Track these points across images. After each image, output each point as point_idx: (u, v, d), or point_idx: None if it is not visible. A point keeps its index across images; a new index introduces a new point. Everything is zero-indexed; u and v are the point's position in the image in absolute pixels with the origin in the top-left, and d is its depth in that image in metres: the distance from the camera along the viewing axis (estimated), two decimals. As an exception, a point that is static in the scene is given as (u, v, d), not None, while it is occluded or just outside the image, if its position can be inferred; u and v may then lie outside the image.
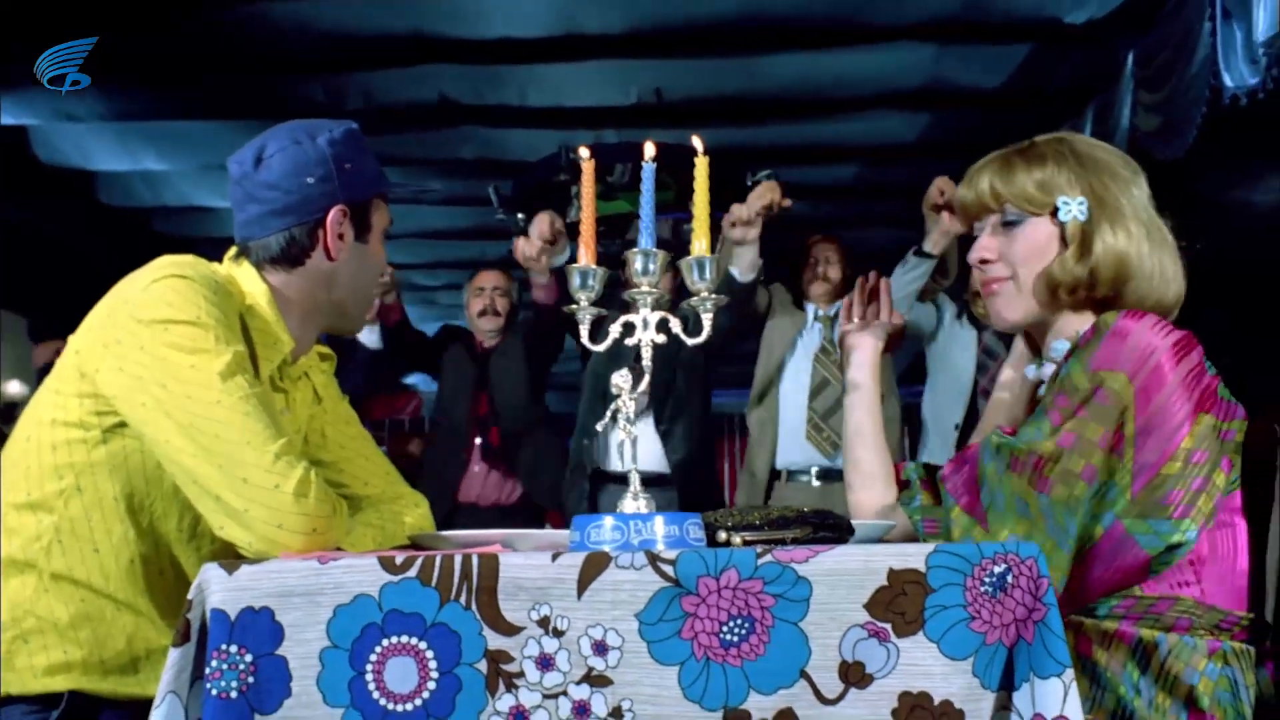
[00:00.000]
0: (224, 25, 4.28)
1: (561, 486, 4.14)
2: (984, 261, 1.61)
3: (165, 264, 1.52)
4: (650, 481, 3.75)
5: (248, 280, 1.60)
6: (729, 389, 6.54)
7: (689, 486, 3.93)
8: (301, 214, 1.60)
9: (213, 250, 1.71)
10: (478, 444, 4.17)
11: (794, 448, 3.90)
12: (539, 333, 4.12)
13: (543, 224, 3.81)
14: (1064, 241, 1.56)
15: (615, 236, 4.79)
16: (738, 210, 3.55)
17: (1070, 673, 1.09)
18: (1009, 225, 1.59)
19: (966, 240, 1.70)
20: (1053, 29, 4.34)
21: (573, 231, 4.56)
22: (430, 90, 4.84)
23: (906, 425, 4.42)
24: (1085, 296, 1.56)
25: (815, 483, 3.86)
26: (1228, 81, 3.49)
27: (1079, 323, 1.56)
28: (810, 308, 4.06)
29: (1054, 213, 1.57)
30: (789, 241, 4.17)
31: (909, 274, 3.59)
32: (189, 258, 1.56)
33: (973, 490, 1.47)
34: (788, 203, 3.64)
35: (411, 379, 4.76)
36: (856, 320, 1.86)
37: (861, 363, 1.83)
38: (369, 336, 4.04)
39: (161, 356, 1.43)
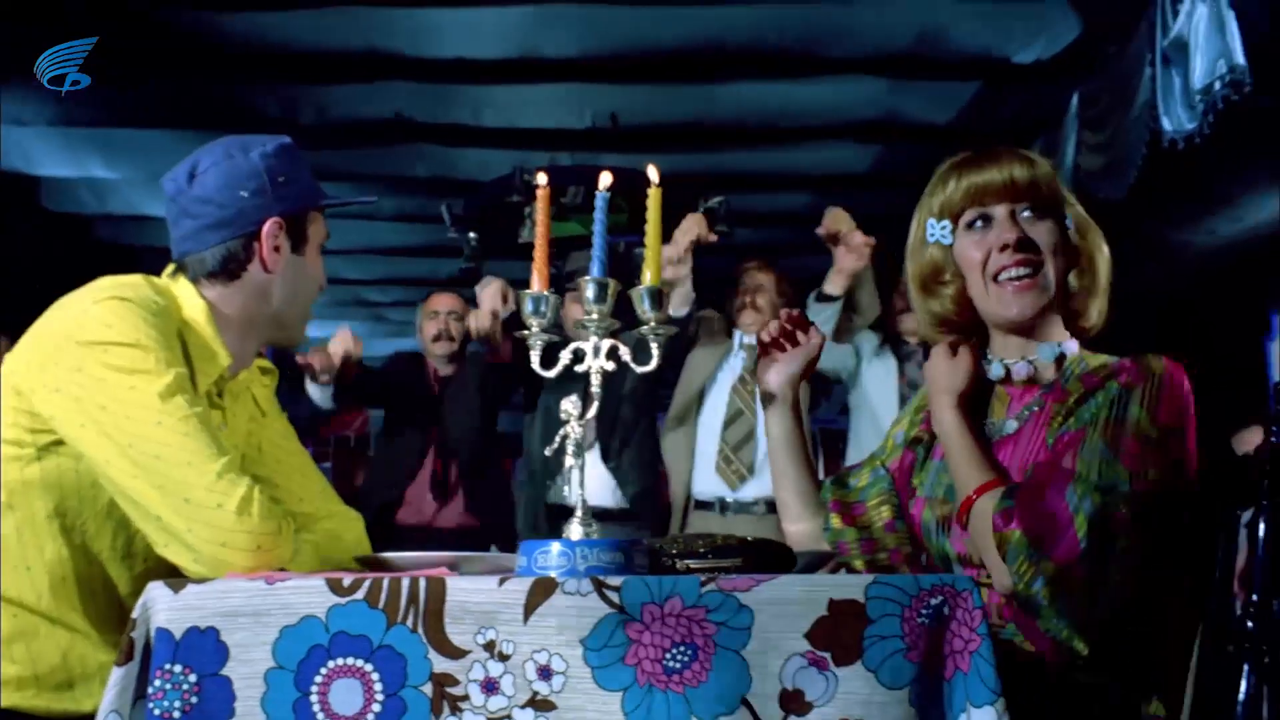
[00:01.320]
0: (178, 33, 4.25)
1: (512, 517, 4.14)
2: (1018, 245, 1.56)
3: (106, 285, 1.54)
4: (609, 517, 3.77)
5: (186, 296, 1.61)
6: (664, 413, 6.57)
7: (650, 518, 3.95)
8: (236, 227, 1.62)
9: (157, 260, 1.71)
10: (430, 472, 4.13)
11: (705, 478, 3.91)
12: (493, 380, 4.12)
13: (494, 297, 3.82)
14: (1064, 252, 1.58)
15: (561, 259, 4.81)
16: (668, 253, 3.59)
17: (1002, 702, 1.12)
18: (1031, 217, 1.58)
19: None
20: (1001, 68, 4.43)
21: (525, 252, 4.59)
22: (385, 107, 4.83)
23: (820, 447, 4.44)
24: (1068, 307, 1.61)
25: (719, 515, 3.84)
26: (1166, 126, 3.58)
27: (1058, 331, 1.60)
28: (737, 335, 4.06)
29: (1061, 219, 1.60)
30: (728, 267, 4.21)
31: (815, 320, 3.62)
32: (130, 278, 1.58)
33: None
34: (713, 237, 3.68)
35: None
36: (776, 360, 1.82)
37: (780, 413, 1.81)
38: (320, 395, 4.02)
39: (100, 378, 1.44)
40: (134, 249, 6.35)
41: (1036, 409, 1.56)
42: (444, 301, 4.30)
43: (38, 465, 1.49)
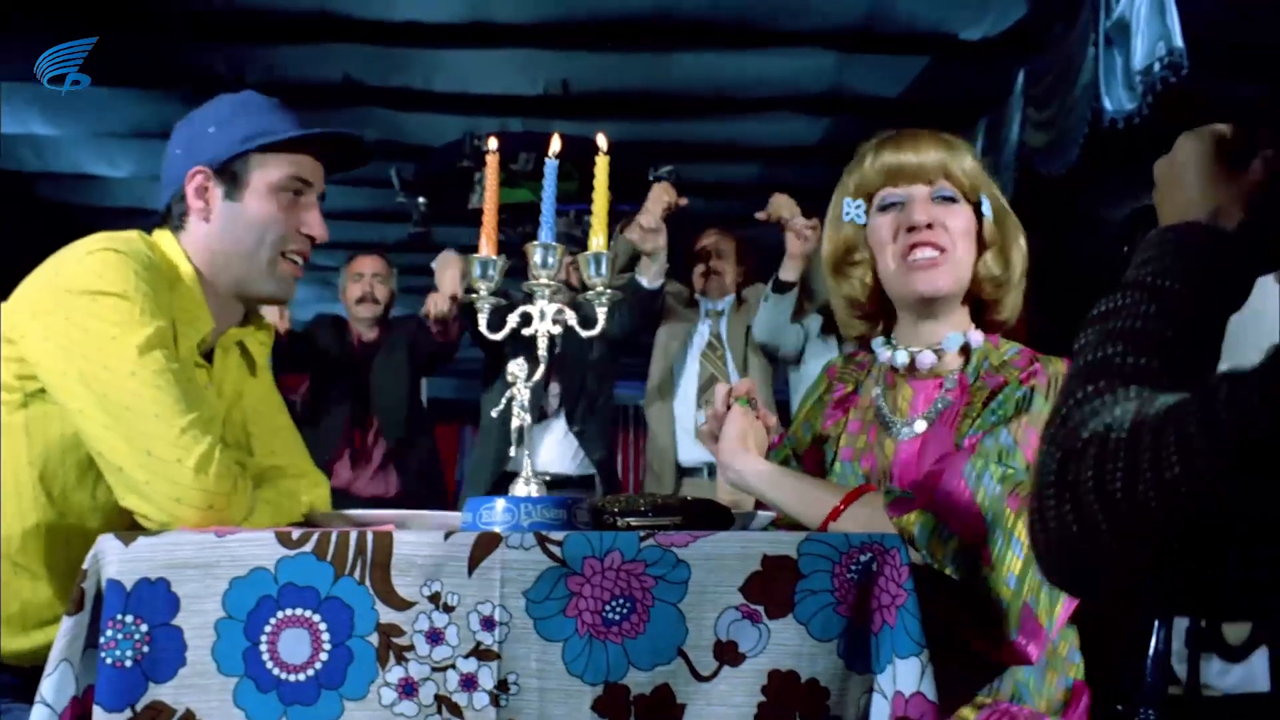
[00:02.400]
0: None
1: (440, 486, 4.17)
2: (929, 226, 1.58)
3: (101, 238, 1.57)
4: (571, 483, 3.82)
5: (176, 255, 1.66)
6: (628, 380, 6.61)
7: (614, 485, 4.01)
8: (171, 182, 1.69)
9: (100, 219, 1.72)
10: (355, 440, 4.13)
11: (689, 445, 3.98)
12: (428, 354, 4.12)
13: (451, 284, 3.83)
14: (979, 237, 1.60)
15: (514, 226, 4.82)
16: (643, 221, 3.63)
17: (927, 653, 1.18)
18: (945, 200, 1.60)
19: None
20: (950, 44, 4.49)
21: (475, 218, 4.59)
22: (334, 69, 4.79)
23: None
24: (977, 294, 1.62)
25: (707, 479, 3.92)
26: (1108, 105, 3.66)
27: (966, 323, 1.62)
28: (702, 303, 4.12)
29: (978, 205, 1.62)
30: (686, 238, 4.25)
31: (776, 308, 3.69)
32: (125, 233, 1.61)
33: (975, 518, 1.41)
34: (683, 201, 3.73)
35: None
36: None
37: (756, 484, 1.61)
38: None
39: (86, 327, 1.48)
40: (77, 208, 6.25)
41: (943, 408, 1.58)
42: (368, 264, 4.27)
43: (23, 412, 1.52)
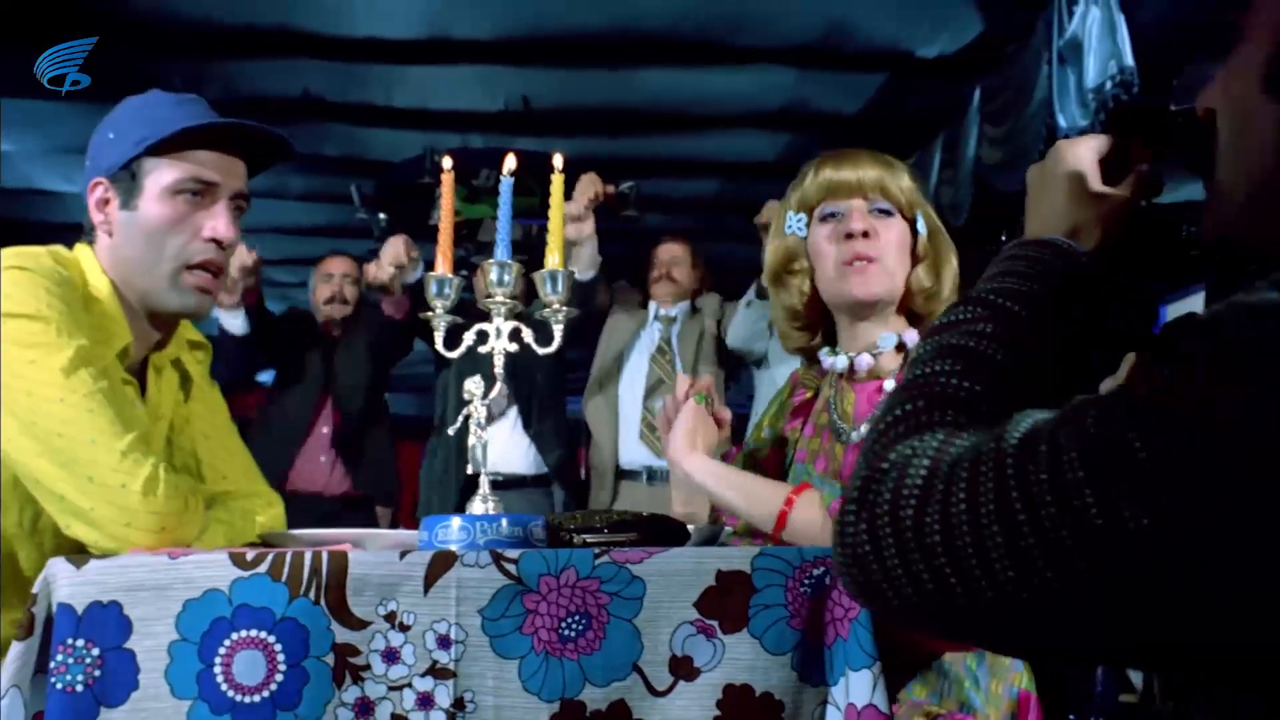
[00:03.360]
0: (81, 4, 4.15)
1: (392, 483, 4.17)
2: (865, 235, 1.66)
3: (7, 255, 1.50)
4: (527, 483, 3.82)
5: (90, 268, 1.59)
6: (578, 395, 6.60)
7: (572, 485, 4.01)
8: (85, 195, 1.62)
9: (52, 235, 1.69)
10: (324, 433, 4.13)
11: (629, 447, 3.98)
12: (386, 339, 4.12)
13: (396, 250, 3.83)
14: (913, 251, 1.69)
15: (469, 241, 4.81)
16: (569, 209, 3.65)
17: (879, 665, 1.19)
18: (881, 213, 1.68)
19: None
20: (907, 61, 4.53)
21: (435, 234, 4.58)
22: (294, 85, 4.77)
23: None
24: (909, 305, 1.70)
25: (645, 484, 3.92)
26: (1061, 123, 3.72)
27: (899, 324, 1.70)
28: (653, 306, 4.14)
29: (913, 221, 1.70)
30: (644, 249, 4.28)
31: (759, 314, 3.71)
32: (33, 249, 1.54)
33: None
34: (610, 189, 3.75)
35: (264, 376, 4.68)
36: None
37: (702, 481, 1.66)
38: (234, 322, 3.94)
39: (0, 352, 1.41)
40: (27, 223, 6.17)
41: None
42: (338, 265, 4.30)
43: None
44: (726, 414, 1.71)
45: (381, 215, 4.99)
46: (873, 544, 0.72)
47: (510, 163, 1.54)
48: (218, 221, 1.60)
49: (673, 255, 4.14)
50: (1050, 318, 0.87)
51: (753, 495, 1.60)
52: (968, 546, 0.68)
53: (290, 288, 7.77)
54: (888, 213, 1.68)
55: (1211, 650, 0.65)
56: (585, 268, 3.72)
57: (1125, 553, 0.63)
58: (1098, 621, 0.66)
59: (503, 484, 1.30)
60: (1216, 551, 0.61)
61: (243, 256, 3.83)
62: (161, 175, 1.58)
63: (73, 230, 1.67)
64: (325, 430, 4.15)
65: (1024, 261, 0.91)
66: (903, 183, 1.70)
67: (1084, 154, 0.97)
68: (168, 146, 1.58)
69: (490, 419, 1.48)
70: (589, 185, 3.77)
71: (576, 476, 4.26)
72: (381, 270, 3.86)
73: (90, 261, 1.60)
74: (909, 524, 0.71)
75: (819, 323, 1.76)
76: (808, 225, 1.72)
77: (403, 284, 3.87)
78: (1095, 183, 0.95)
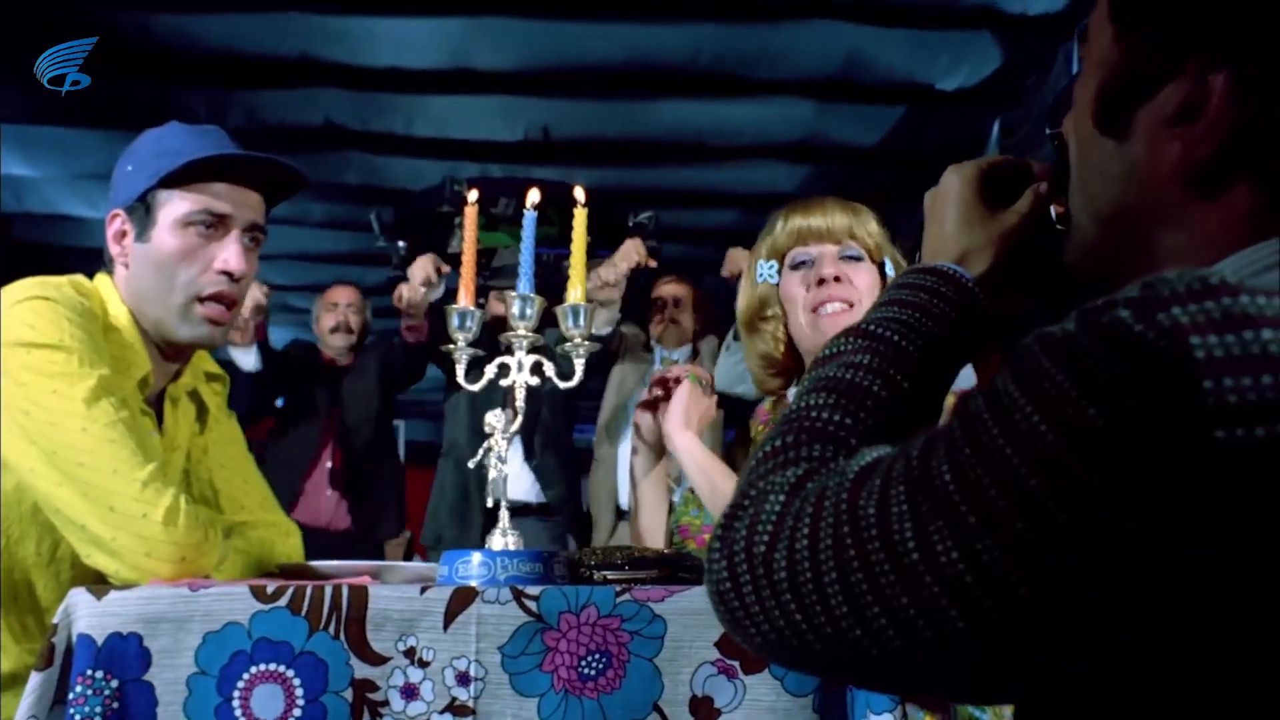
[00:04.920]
0: (105, 32, 4.19)
1: (399, 513, 4.15)
2: (837, 280, 1.70)
3: (29, 285, 1.51)
4: (530, 511, 3.82)
5: (110, 298, 1.61)
6: (583, 424, 6.59)
7: (570, 515, 4.00)
8: (106, 226, 1.64)
9: (77, 261, 1.70)
10: (328, 467, 4.11)
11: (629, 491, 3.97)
12: (401, 365, 4.11)
13: (426, 268, 3.83)
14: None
15: (485, 269, 4.83)
16: (605, 274, 3.68)
17: (901, 709, 1.18)
18: (851, 259, 1.72)
19: None
20: (926, 94, 4.54)
21: (453, 261, 4.61)
22: (315, 113, 4.81)
23: None
24: None
25: None
26: (1081, 155, 3.72)
27: None
28: (657, 350, 4.13)
29: (881, 265, 1.73)
30: (649, 283, 4.28)
31: (737, 355, 3.71)
32: (55, 279, 1.55)
33: None
34: (653, 263, 3.77)
35: (280, 402, 4.71)
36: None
37: (643, 456, 1.86)
38: (246, 359, 3.95)
39: (23, 381, 1.42)
40: (53, 248, 6.23)
41: None
42: (343, 294, 4.29)
43: None
44: (713, 395, 1.80)
45: (401, 243, 5.01)
46: (731, 580, 0.71)
47: (534, 196, 1.54)
48: (229, 254, 1.60)
49: (676, 296, 4.13)
50: (932, 346, 0.85)
51: (717, 486, 1.65)
52: (809, 583, 0.67)
53: (308, 313, 7.81)
54: (857, 258, 1.73)
55: (1042, 684, 0.64)
56: (603, 323, 3.75)
57: (941, 588, 0.61)
58: (930, 659, 0.64)
59: (510, 512, 1.32)
60: (1023, 583, 0.59)
61: (255, 295, 3.84)
62: (174, 207, 1.59)
63: (97, 255, 1.68)
64: (329, 464, 4.12)
65: (909, 290, 0.89)
66: (870, 228, 1.75)
67: (970, 176, 0.95)
68: (181, 178, 1.58)
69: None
70: (633, 251, 3.79)
71: (578, 509, 4.24)
72: (414, 291, 3.86)
73: (110, 291, 1.62)
74: (760, 560, 0.70)
75: (794, 368, 1.79)
76: (779, 272, 1.76)
77: (426, 306, 3.88)
78: (980, 206, 0.93)
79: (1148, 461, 0.57)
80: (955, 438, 0.64)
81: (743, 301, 1.83)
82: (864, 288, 1.71)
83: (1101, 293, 0.64)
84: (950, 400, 1.53)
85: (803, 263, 1.74)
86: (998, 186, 0.95)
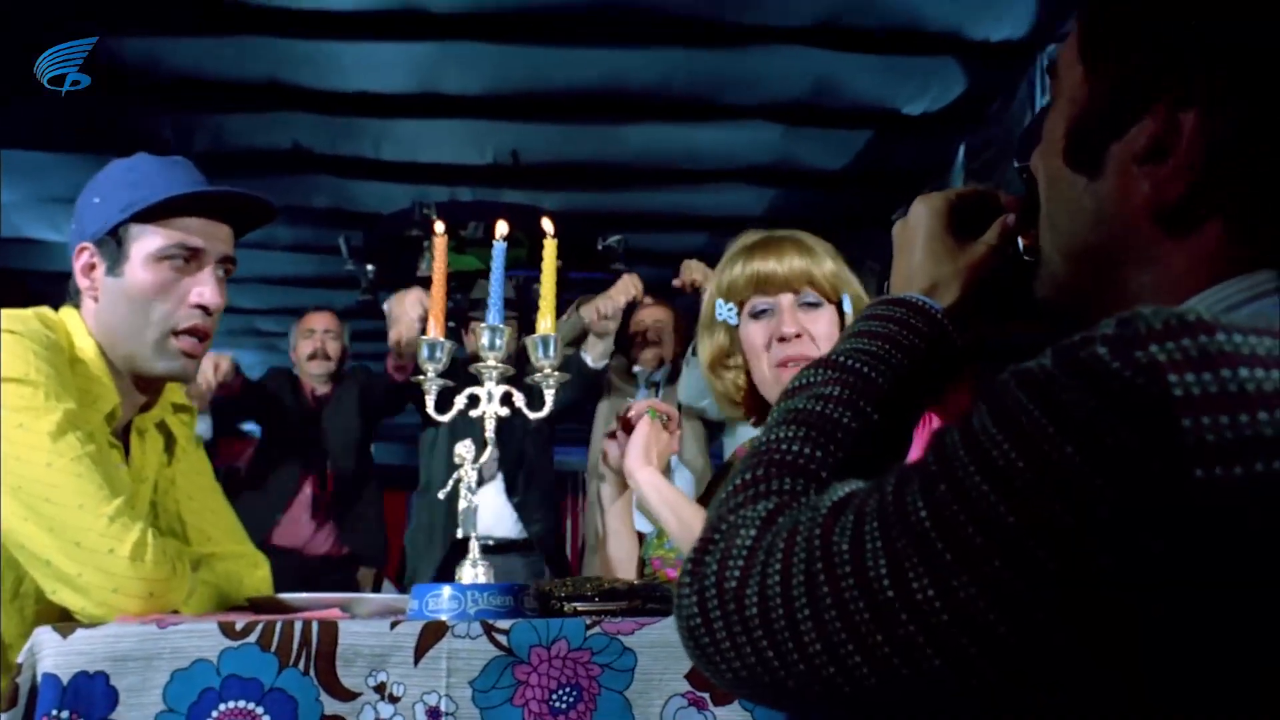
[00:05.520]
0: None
1: (380, 542, 4.11)
2: (797, 336, 1.70)
3: None
4: (513, 547, 3.80)
5: (77, 330, 1.59)
6: (570, 445, 6.55)
7: (555, 555, 3.99)
8: (71, 259, 1.63)
9: (42, 285, 1.69)
10: (308, 494, 4.08)
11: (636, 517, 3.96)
12: (383, 398, 4.08)
13: (416, 305, 3.79)
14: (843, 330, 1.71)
15: (456, 293, 4.83)
16: (603, 307, 3.69)
17: (871, 741, 1.18)
18: (810, 306, 1.72)
19: None
20: (893, 118, 4.58)
21: (426, 284, 4.59)
22: (284, 137, 4.79)
23: None
24: None
25: None
26: (1045, 180, 3.76)
27: None
28: (639, 373, 4.14)
29: (839, 304, 1.73)
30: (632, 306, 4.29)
31: (696, 371, 3.72)
32: (20, 311, 1.54)
33: None
34: (649, 300, 3.79)
35: (251, 424, 4.66)
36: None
37: (610, 486, 1.88)
38: (201, 428, 3.90)
39: None
40: (19, 273, 6.17)
41: None
42: (320, 320, 4.25)
43: None
44: (675, 413, 1.80)
45: (369, 267, 5.00)
46: (702, 615, 0.71)
47: (502, 228, 1.55)
48: (204, 288, 1.61)
49: (656, 320, 4.14)
50: (901, 378, 0.85)
51: (682, 519, 1.66)
52: (781, 619, 0.66)
53: (276, 336, 7.76)
54: (816, 304, 1.73)
55: (1020, 718, 0.63)
56: (598, 358, 3.76)
57: (917, 625, 0.61)
58: (906, 695, 0.64)
59: (489, 549, 1.30)
60: (1001, 620, 0.59)
61: (223, 370, 3.81)
62: (147, 242, 1.59)
63: (63, 279, 1.67)
64: (309, 491, 4.09)
65: (878, 321, 0.89)
66: (825, 269, 1.74)
67: (938, 208, 0.95)
68: (153, 213, 1.59)
69: (481, 482, 1.48)
70: (629, 286, 3.85)
71: (561, 546, 4.23)
72: (411, 330, 3.79)
73: (76, 324, 1.60)
74: (731, 596, 0.69)
75: (756, 406, 1.80)
76: (738, 315, 1.77)
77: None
78: (948, 237, 0.94)
79: (1126, 499, 0.57)
80: (931, 474, 0.64)
81: (703, 344, 1.84)
82: (822, 334, 1.71)
83: (1072, 324, 0.65)
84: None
85: (763, 311, 1.74)
86: (966, 218, 0.95)
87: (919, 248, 0.94)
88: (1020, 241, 0.92)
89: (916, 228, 0.95)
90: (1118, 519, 0.57)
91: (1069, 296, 0.85)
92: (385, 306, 4.05)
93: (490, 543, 3.64)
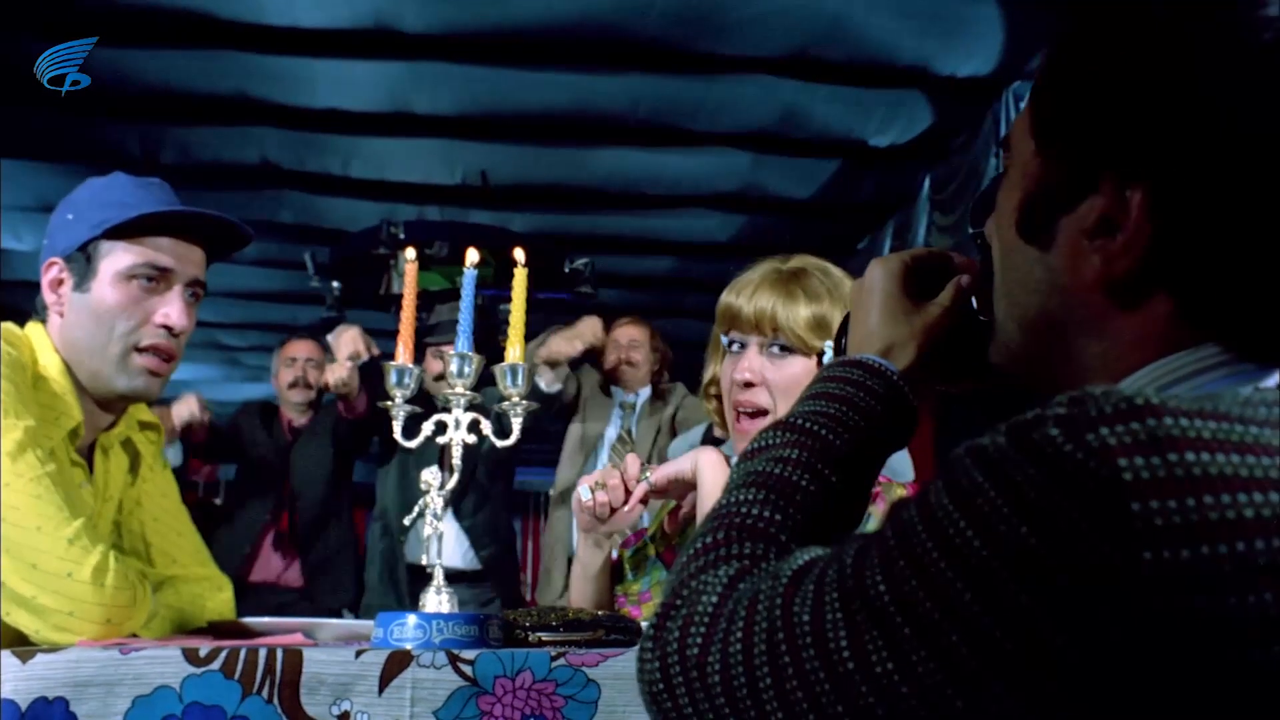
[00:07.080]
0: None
1: (345, 581, 4.08)
2: (748, 385, 1.60)
3: None
4: (461, 578, 3.78)
5: (42, 347, 1.58)
6: (533, 467, 6.53)
7: (503, 581, 3.96)
8: (40, 274, 1.62)
9: (3, 293, 1.68)
10: (279, 529, 4.04)
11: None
12: (346, 436, 4.06)
13: (348, 345, 3.77)
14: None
15: (425, 310, 4.82)
16: (562, 348, 3.70)
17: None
18: (782, 351, 1.61)
19: None
20: (860, 149, 4.64)
21: (391, 303, 4.58)
22: (252, 151, 4.77)
23: None
24: None
25: None
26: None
27: None
28: (616, 394, 4.15)
29: (819, 354, 1.62)
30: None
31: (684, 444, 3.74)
32: None
33: None
34: (624, 320, 3.84)
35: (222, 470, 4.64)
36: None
37: (589, 547, 1.74)
38: (171, 455, 3.88)
39: None
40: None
41: None
42: (302, 349, 4.22)
43: None
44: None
45: (335, 283, 4.98)
46: (664, 681, 0.71)
47: (473, 256, 1.55)
48: (171, 309, 1.60)
49: (631, 339, 4.16)
50: (859, 440, 0.86)
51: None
52: (743, 687, 0.67)
53: (240, 351, 7.71)
54: (786, 352, 1.61)
55: None
56: (551, 382, 3.79)
57: (876, 697, 0.62)
58: None
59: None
60: (958, 695, 0.61)
61: (194, 411, 3.80)
62: (117, 260, 1.58)
63: (23, 288, 1.66)
64: (280, 526, 4.05)
65: (835, 383, 0.90)
66: (799, 315, 1.60)
67: (894, 269, 0.96)
68: (125, 231, 1.58)
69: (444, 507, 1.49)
70: (589, 333, 3.97)
71: (515, 570, 4.21)
72: (338, 369, 3.78)
73: (42, 340, 1.59)
74: (694, 663, 0.70)
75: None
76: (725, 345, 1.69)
77: (358, 381, 3.82)
78: (904, 299, 0.95)
79: (1079, 580, 0.58)
80: (890, 548, 0.65)
81: (706, 362, 1.77)
82: (780, 386, 1.59)
83: (1024, 388, 0.66)
84: (900, 492, 1.55)
85: (733, 347, 1.65)
86: (921, 279, 0.96)
87: (875, 309, 0.95)
88: (974, 301, 0.94)
89: (872, 289, 0.96)
90: (1071, 599, 0.58)
91: (1022, 364, 0.86)
92: (329, 338, 4.03)
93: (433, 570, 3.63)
